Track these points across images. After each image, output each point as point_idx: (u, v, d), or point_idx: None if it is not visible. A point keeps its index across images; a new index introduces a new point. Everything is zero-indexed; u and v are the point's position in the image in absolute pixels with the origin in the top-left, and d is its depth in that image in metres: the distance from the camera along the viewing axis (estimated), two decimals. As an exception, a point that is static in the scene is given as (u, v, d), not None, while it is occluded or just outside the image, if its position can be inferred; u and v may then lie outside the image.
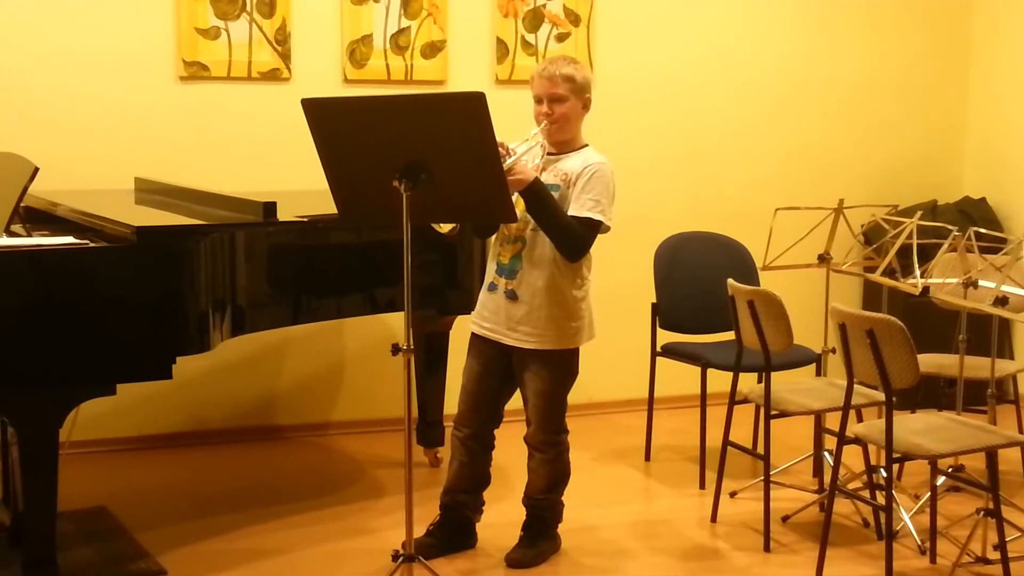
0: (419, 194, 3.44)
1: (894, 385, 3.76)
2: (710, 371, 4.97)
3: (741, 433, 4.89)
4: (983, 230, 4.18)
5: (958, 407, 4.50)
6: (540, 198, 3.79)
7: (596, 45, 5.91)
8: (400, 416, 3.65)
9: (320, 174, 3.61)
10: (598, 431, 5.65)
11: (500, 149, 3.56)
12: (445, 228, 3.79)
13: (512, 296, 3.95)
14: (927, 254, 4.22)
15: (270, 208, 4.07)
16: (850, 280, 6.04)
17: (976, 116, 6.61)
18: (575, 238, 3.86)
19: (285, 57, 5.42)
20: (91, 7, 5.16)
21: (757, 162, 6.29)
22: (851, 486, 4.55)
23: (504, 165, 3.60)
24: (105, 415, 4.99)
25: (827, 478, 4.48)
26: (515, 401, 4.13)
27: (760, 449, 4.55)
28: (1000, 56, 6.46)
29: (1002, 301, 3.81)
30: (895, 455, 3.84)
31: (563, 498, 4.17)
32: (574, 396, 4.10)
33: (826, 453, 4.71)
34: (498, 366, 4.05)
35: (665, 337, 5.27)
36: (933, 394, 5.12)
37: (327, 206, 3.79)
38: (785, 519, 4.51)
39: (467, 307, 4.53)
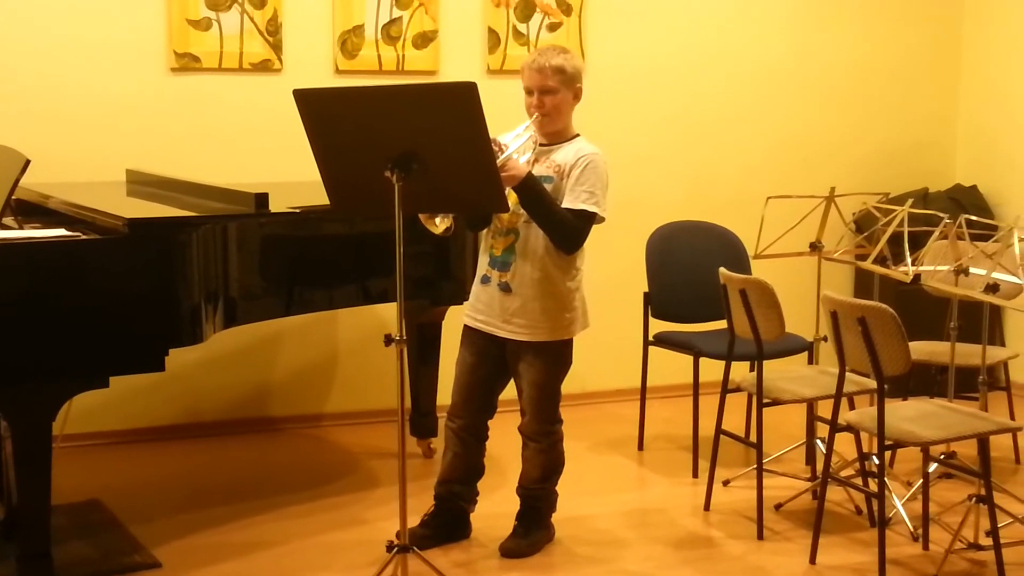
0: (411, 185, 3.44)
1: (886, 372, 3.77)
2: (702, 360, 4.98)
3: (734, 422, 4.89)
4: (974, 217, 4.19)
5: (949, 394, 4.51)
6: (534, 192, 3.79)
7: (588, 35, 5.90)
8: (393, 407, 3.65)
9: (312, 165, 3.61)
10: (591, 421, 5.66)
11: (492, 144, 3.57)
12: (440, 228, 3.77)
13: (505, 288, 3.95)
14: (918, 242, 4.23)
15: (262, 199, 4.07)
16: (842, 268, 6.06)
17: (967, 104, 6.62)
18: (570, 230, 3.86)
19: (276, 48, 5.42)
20: (81, -1, 5.15)
21: (749, 151, 6.29)
22: (844, 474, 4.56)
23: (497, 161, 3.60)
24: (98, 408, 4.99)
25: (820, 466, 4.49)
26: (508, 391, 4.13)
27: (753, 437, 4.56)
28: (991, 44, 6.46)
29: (993, 288, 3.82)
30: (887, 442, 3.85)
31: (557, 488, 4.18)
32: (567, 386, 4.11)
33: (818, 441, 4.73)
34: (491, 357, 4.05)
35: (657, 326, 5.27)
36: (925, 381, 5.13)
37: (319, 197, 3.79)
38: (778, 507, 4.52)
39: (459, 298, 4.54)
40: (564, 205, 3.84)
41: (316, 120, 3.54)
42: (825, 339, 4.34)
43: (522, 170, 3.75)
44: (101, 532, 4.24)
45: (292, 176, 4.82)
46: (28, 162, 3.81)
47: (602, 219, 3.90)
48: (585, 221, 3.87)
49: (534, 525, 4.16)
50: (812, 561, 4.05)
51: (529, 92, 3.90)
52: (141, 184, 4.88)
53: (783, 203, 4.84)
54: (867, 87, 6.47)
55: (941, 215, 4.14)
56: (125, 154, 5.14)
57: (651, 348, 5.25)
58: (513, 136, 3.82)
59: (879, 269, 4.34)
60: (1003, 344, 6.19)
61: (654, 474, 5.09)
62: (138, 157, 5.12)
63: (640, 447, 5.36)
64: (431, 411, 5.12)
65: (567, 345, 4.04)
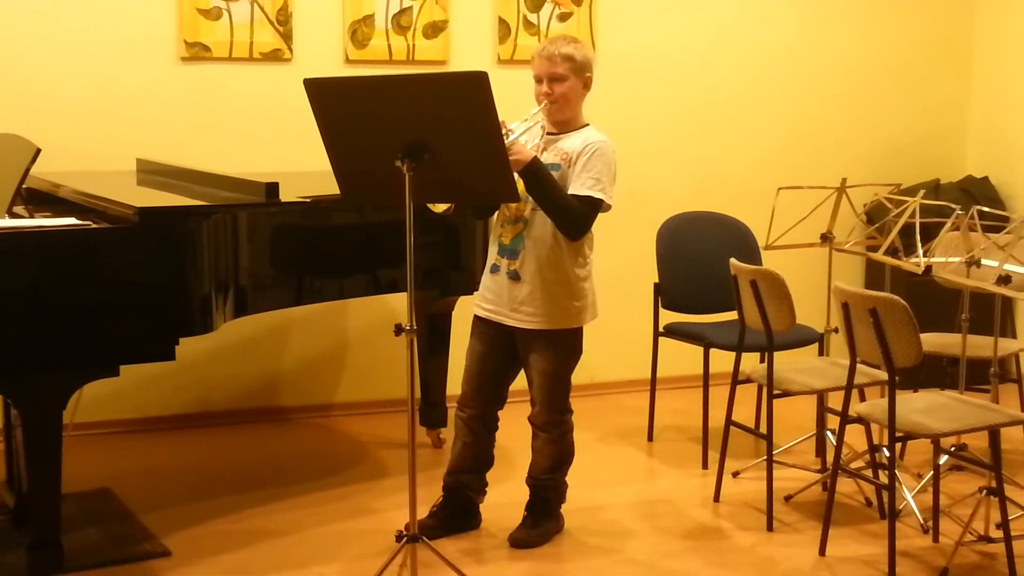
0: (421, 174, 3.43)
1: (897, 364, 3.76)
2: (713, 351, 4.97)
3: (744, 413, 4.89)
4: (986, 209, 4.17)
5: (960, 386, 4.49)
6: (539, 177, 3.78)
7: (598, 25, 5.89)
8: (403, 397, 3.66)
9: (322, 155, 3.61)
10: (601, 411, 5.66)
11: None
12: (440, 208, 3.77)
13: (515, 277, 3.94)
14: (930, 233, 4.22)
15: (272, 189, 4.07)
16: (852, 259, 6.05)
17: (979, 95, 6.60)
18: (575, 217, 3.85)
19: (287, 37, 5.41)
20: (92, -12, 5.15)
21: (760, 141, 6.28)
22: (854, 465, 4.56)
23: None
24: (108, 397, 5.00)
25: (830, 457, 4.49)
26: (519, 381, 4.13)
27: (763, 429, 4.55)
28: (1003, 35, 6.44)
29: (1005, 280, 3.81)
30: (898, 434, 3.84)
31: (567, 478, 4.18)
32: (577, 377, 4.11)
33: (829, 432, 4.72)
34: (501, 347, 4.05)
35: (668, 317, 5.27)
36: (936, 373, 5.12)
37: (330, 187, 3.79)
38: (788, 499, 4.52)
39: (469, 288, 4.53)
40: (570, 191, 3.83)
41: (327, 109, 3.53)
42: (836, 330, 4.33)
43: (527, 154, 3.74)
44: (111, 521, 4.25)
45: (302, 166, 4.82)
46: (39, 151, 3.82)
47: (608, 206, 3.89)
48: (591, 208, 3.85)
49: (543, 515, 4.16)
50: (822, 553, 4.04)
51: (539, 80, 3.90)
52: (151, 173, 4.89)
53: (794, 194, 4.83)
54: (879, 78, 6.45)
55: (953, 206, 4.12)
56: (135, 143, 5.15)
57: (661, 339, 5.24)
58: (521, 122, 3.81)
59: (890, 260, 4.33)
60: (1015, 336, 6.18)
61: (664, 465, 5.08)
62: (148, 146, 5.12)
63: (650, 438, 5.36)
64: (441, 401, 5.12)
65: (577, 334, 4.03)
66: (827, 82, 6.37)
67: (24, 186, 3.96)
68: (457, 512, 4.18)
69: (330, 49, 5.49)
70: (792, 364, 4.58)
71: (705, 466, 4.94)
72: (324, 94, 3.53)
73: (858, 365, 4.04)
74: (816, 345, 5.02)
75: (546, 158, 3.87)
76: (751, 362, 4.74)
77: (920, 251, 4.11)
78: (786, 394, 4.39)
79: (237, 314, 4.03)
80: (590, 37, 5.81)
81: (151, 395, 5.33)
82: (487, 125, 3.41)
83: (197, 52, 5.29)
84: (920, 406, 3.97)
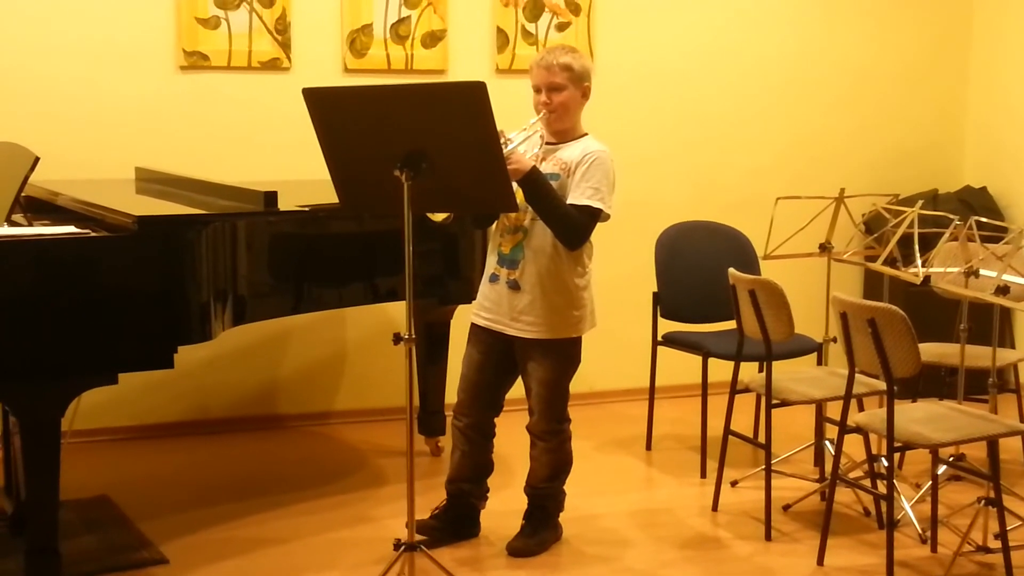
0: (420, 184, 3.44)
1: (895, 374, 3.76)
2: (711, 360, 4.97)
3: (742, 422, 4.89)
4: (984, 219, 4.18)
5: (959, 396, 4.49)
6: (538, 187, 3.78)
7: (596, 34, 5.90)
8: (401, 405, 3.65)
9: (321, 163, 3.61)
10: (599, 420, 5.66)
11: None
12: (439, 217, 3.78)
13: (514, 286, 3.94)
14: (928, 243, 4.22)
15: (271, 197, 4.07)
16: (851, 269, 6.04)
17: (977, 105, 6.60)
18: (574, 226, 3.85)
19: (285, 46, 5.42)
20: (91, -3, 5.16)
21: (758, 151, 6.28)
22: (852, 475, 4.55)
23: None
24: (107, 404, 5.00)
25: (828, 467, 4.48)
26: (516, 390, 4.13)
27: (761, 438, 4.55)
28: (1001, 44, 6.45)
29: (1003, 290, 3.81)
30: (896, 444, 3.84)
31: (565, 487, 4.18)
32: (575, 385, 4.10)
33: (827, 442, 4.71)
34: (499, 355, 4.05)
35: (666, 326, 5.27)
36: (934, 383, 5.12)
37: (328, 195, 3.79)
38: (786, 508, 4.52)
39: (468, 296, 4.53)
40: (569, 201, 3.84)
41: (325, 119, 3.54)
42: (835, 340, 4.33)
43: (526, 164, 3.75)
44: (109, 528, 4.25)
45: (301, 174, 4.83)
46: (37, 160, 3.82)
47: (607, 216, 3.90)
48: (589, 217, 3.86)
49: (542, 524, 4.15)
50: (820, 563, 4.04)
51: (537, 90, 3.90)
52: (150, 182, 4.89)
53: (792, 204, 4.83)
54: (876, 88, 6.46)
55: (951, 216, 4.13)
56: (134, 152, 5.15)
57: (660, 348, 5.24)
58: (520, 132, 3.81)
59: (889, 270, 4.33)
60: (1013, 346, 6.18)
61: (662, 474, 5.08)
62: (147, 155, 5.12)
63: (648, 447, 5.35)
64: (439, 409, 5.12)
65: (576, 344, 4.03)
66: (825, 92, 6.37)
67: (23, 195, 3.96)
68: (459, 516, 4.18)
69: (329, 58, 5.49)
70: (791, 374, 4.58)
71: (703, 475, 4.94)
72: (323, 103, 3.54)
73: (857, 375, 4.04)
74: (815, 355, 5.02)
75: (545, 168, 3.88)
76: (750, 371, 4.74)
77: (919, 261, 4.12)
78: (785, 403, 4.40)
79: (236, 322, 4.03)
80: (588, 47, 5.81)
81: (150, 403, 5.33)
82: (485, 135, 3.42)
83: (196, 61, 5.29)
84: (919, 416, 3.97)
